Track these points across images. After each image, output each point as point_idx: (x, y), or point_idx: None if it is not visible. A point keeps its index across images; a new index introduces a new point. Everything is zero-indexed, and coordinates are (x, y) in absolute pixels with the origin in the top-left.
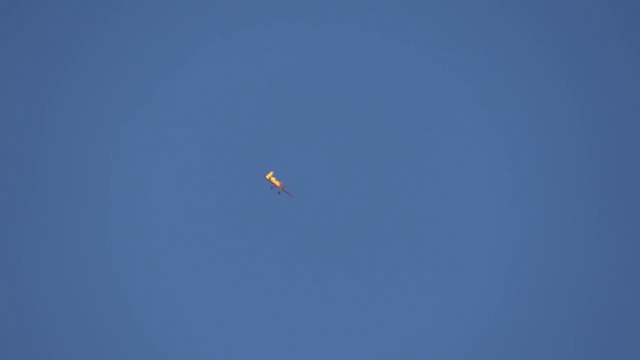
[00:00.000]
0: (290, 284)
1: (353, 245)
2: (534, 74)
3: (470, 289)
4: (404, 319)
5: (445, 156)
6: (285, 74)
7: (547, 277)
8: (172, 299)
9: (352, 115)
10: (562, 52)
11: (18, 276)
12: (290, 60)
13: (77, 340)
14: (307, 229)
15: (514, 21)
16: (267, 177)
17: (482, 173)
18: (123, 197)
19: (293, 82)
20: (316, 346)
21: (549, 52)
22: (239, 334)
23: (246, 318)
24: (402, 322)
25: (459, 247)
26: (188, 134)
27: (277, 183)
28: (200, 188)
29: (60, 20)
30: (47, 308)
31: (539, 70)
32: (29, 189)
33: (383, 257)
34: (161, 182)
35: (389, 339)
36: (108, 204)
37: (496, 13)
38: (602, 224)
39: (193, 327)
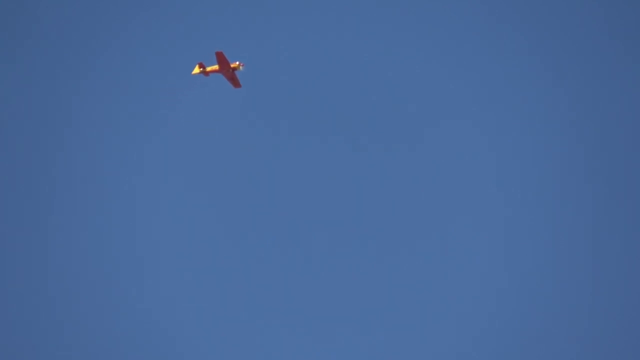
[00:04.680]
0: (290, 284)
1: (353, 246)
2: (536, 74)
3: (472, 290)
4: (404, 321)
5: (447, 156)
6: (284, 75)
7: (551, 278)
8: (171, 299)
9: (353, 116)
10: (564, 53)
11: (16, 276)
12: (289, 61)
13: (75, 340)
14: (307, 229)
15: (516, 21)
16: (196, 71)
17: (483, 173)
18: (122, 197)
19: (292, 83)
20: (318, 346)
21: (552, 52)
22: (240, 334)
23: (246, 318)
24: (403, 323)
25: (461, 247)
26: (188, 134)
27: (229, 66)
28: (200, 188)
29: (57, 20)
30: (44, 308)
31: (541, 71)
32: (28, 188)
33: (384, 258)
34: (161, 182)
35: (389, 341)
36: (107, 204)
37: (498, 13)
38: (604, 224)
39: (192, 327)
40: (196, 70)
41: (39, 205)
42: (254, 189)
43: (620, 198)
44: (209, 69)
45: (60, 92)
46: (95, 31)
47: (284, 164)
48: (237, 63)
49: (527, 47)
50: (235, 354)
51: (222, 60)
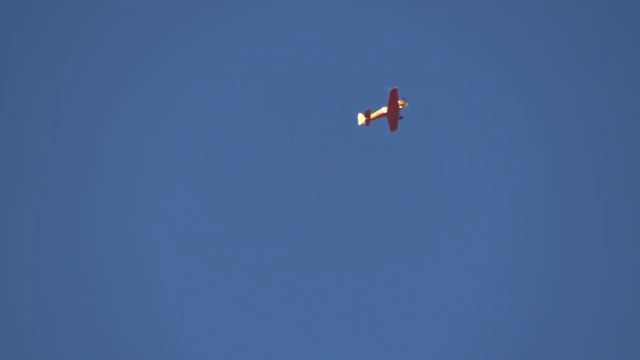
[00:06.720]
0: (291, 284)
1: (354, 246)
2: (540, 74)
3: (472, 290)
4: (404, 321)
5: (450, 154)
6: (284, 74)
7: (553, 279)
8: (170, 301)
9: (353, 115)
10: (568, 50)
11: (16, 276)
12: (289, 61)
13: (73, 341)
14: (307, 229)
15: (521, 19)
16: (362, 121)
17: (485, 172)
18: (120, 197)
19: (292, 83)
20: (319, 346)
21: (556, 51)
22: (240, 336)
23: (246, 319)
24: (403, 324)
25: (462, 248)
26: (187, 134)
27: (398, 103)
28: (199, 188)
29: (55, 20)
30: (42, 309)
31: (545, 70)
32: (27, 188)
33: (386, 258)
34: (159, 182)
35: (391, 343)
36: (105, 205)
37: (501, 11)
38: (606, 223)
39: (193, 329)
40: (361, 120)
41: (39, 206)
42: (259, 188)
43: (622, 198)
44: (373, 115)
45: (66, 94)
46: (96, 32)
47: (285, 159)
48: (403, 100)
49: (528, 47)
50: (236, 353)
51: (394, 97)
